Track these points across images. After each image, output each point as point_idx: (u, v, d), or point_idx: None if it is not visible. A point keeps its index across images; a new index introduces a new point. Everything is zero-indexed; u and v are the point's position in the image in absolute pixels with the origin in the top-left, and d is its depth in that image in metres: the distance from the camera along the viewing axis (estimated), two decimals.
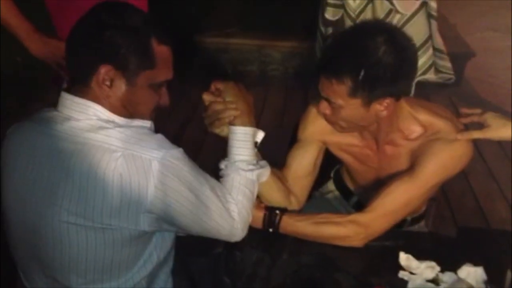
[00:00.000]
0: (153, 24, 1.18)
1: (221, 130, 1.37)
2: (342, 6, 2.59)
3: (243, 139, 1.33)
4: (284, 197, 1.51)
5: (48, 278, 1.23)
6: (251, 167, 1.32)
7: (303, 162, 1.57)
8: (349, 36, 1.36)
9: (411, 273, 1.33)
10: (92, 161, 1.10)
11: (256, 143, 1.38)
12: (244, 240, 1.39)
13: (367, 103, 1.33)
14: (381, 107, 1.34)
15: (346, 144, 1.56)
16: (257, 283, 1.32)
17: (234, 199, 1.27)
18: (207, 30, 4.26)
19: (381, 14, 2.48)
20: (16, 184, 1.19)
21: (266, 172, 1.39)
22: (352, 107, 1.34)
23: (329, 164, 1.79)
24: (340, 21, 2.61)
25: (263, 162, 1.39)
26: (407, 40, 1.33)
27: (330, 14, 2.62)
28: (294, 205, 1.55)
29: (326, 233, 1.40)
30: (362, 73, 1.27)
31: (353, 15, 2.53)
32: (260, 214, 1.39)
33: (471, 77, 4.15)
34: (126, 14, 1.16)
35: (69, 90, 1.17)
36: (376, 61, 1.27)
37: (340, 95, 1.32)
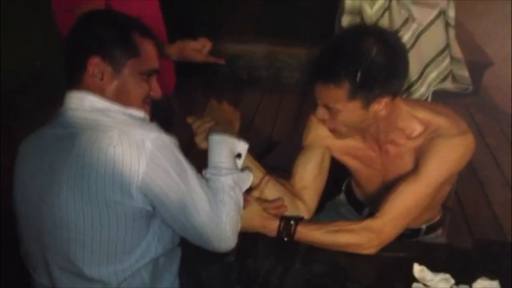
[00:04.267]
0: (137, 23, 1.31)
1: (202, 144, 1.40)
2: (359, 13, 2.59)
3: (217, 146, 1.35)
4: (292, 206, 1.51)
5: (54, 267, 1.25)
6: (225, 171, 1.32)
7: (308, 166, 1.58)
8: (341, 41, 1.37)
9: (425, 285, 1.31)
10: (89, 140, 1.17)
11: (239, 155, 1.38)
12: (256, 248, 1.40)
13: (366, 104, 1.35)
14: (379, 107, 1.36)
15: (349, 147, 1.58)
16: None
17: (221, 201, 1.27)
18: (222, 36, 4.27)
19: (398, 23, 2.46)
20: (25, 178, 1.26)
21: (246, 177, 1.38)
22: (351, 110, 1.36)
23: (341, 176, 1.80)
24: None
25: (244, 169, 1.40)
26: (396, 39, 1.37)
27: (346, 21, 2.61)
28: (304, 212, 1.55)
29: (341, 241, 1.40)
30: (359, 74, 1.29)
31: (370, 23, 2.52)
32: (275, 223, 1.39)
33: (489, 86, 4.11)
34: (111, 14, 1.36)
35: (70, 88, 1.27)
36: (371, 61, 1.29)
37: (339, 99, 1.34)
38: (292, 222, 1.39)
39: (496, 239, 2.56)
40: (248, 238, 1.40)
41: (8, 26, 3.28)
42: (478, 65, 3.68)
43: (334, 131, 1.47)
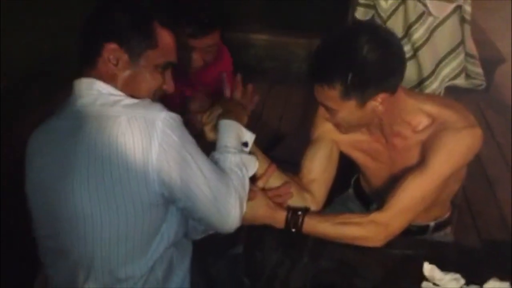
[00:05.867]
0: (157, 9, 1.26)
1: (210, 134, 1.42)
2: (374, 6, 2.56)
3: (226, 130, 1.36)
4: (299, 198, 1.51)
5: (69, 261, 1.23)
6: (232, 150, 1.33)
7: (316, 159, 1.57)
8: (333, 40, 1.35)
9: (435, 284, 1.30)
10: (98, 130, 1.15)
11: (246, 143, 1.39)
12: (264, 241, 1.39)
13: (362, 103, 1.34)
14: (376, 103, 1.35)
15: (355, 141, 1.57)
16: (277, 285, 1.31)
17: (230, 180, 1.27)
18: (232, 25, 4.24)
19: (413, 16, 2.43)
20: (36, 171, 1.23)
21: (252, 162, 1.38)
22: (347, 109, 1.35)
23: (350, 172, 1.79)
24: (370, 21, 2.57)
25: (251, 154, 1.40)
26: (390, 34, 1.35)
27: (360, 14, 2.58)
28: (312, 204, 1.54)
29: (347, 233, 1.40)
30: (350, 75, 1.28)
31: (384, 16, 2.49)
32: (283, 214, 1.39)
33: (501, 84, 4.06)
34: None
35: (80, 75, 1.23)
36: (362, 61, 1.28)
37: (333, 99, 1.34)
38: (299, 213, 1.39)
39: (502, 238, 2.54)
40: (255, 231, 1.40)
41: (15, 12, 3.27)
42: (489, 62, 3.63)
43: (338, 127, 1.48)
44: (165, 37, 1.25)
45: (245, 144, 1.38)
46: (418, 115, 1.44)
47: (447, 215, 1.67)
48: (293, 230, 1.39)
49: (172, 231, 1.25)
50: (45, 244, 1.27)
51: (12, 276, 1.41)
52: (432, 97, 1.49)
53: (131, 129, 1.13)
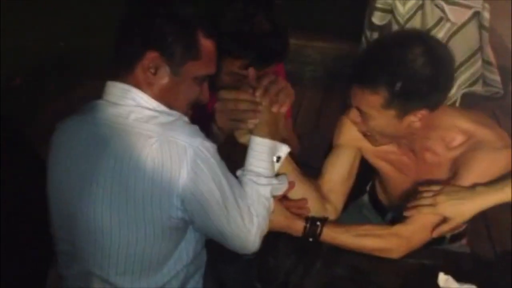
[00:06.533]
0: (202, 18, 1.20)
1: (241, 138, 1.31)
2: (391, 11, 2.54)
3: (258, 149, 1.26)
4: (320, 206, 1.47)
5: (83, 268, 1.22)
6: (263, 181, 1.25)
7: (339, 168, 1.53)
8: (386, 46, 1.32)
9: None
10: (127, 147, 1.11)
11: (279, 158, 1.31)
12: (277, 247, 1.38)
13: (401, 115, 1.30)
14: (415, 119, 1.32)
15: (382, 151, 1.53)
16: None
17: (255, 211, 1.23)
18: None
19: (430, 22, 2.41)
20: (59, 173, 1.21)
21: (282, 187, 1.32)
22: (383, 119, 1.32)
23: (365, 177, 1.75)
24: (387, 26, 2.55)
25: (281, 177, 1.32)
26: (445, 51, 1.31)
27: (377, 18, 2.56)
28: (331, 213, 1.51)
29: (367, 245, 1.37)
30: (398, 85, 1.25)
31: (401, 21, 2.48)
32: (301, 224, 1.36)
33: None
34: (176, 4, 1.19)
35: (115, 78, 1.19)
36: (414, 74, 1.25)
37: (373, 105, 1.30)
38: (318, 223, 1.36)
39: None
40: (269, 236, 1.38)
41: (31, 6, 3.29)
42: (507, 69, 3.59)
43: (366, 136, 1.44)
44: (209, 48, 1.20)
45: (278, 159, 1.31)
46: (452, 132, 1.40)
47: (463, 226, 1.64)
48: (311, 239, 1.37)
49: (191, 248, 1.24)
50: (60, 245, 1.27)
51: (12, 276, 1.42)
52: (468, 113, 1.45)
53: (162, 153, 1.09)
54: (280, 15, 1.50)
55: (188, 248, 1.23)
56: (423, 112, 1.30)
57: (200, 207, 1.14)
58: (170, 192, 1.11)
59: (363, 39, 2.95)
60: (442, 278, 1.30)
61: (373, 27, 2.73)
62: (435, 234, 1.36)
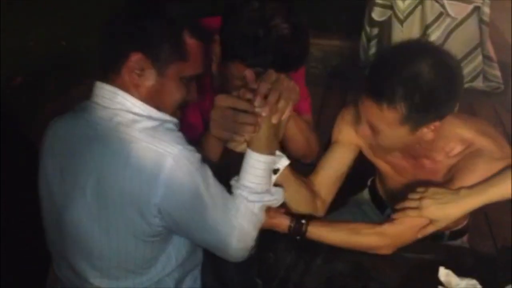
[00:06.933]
0: (188, 17, 1.18)
1: (237, 148, 1.25)
2: (391, 7, 2.54)
3: (254, 166, 1.21)
4: (310, 203, 1.47)
5: (68, 268, 1.24)
6: (254, 197, 1.21)
7: (336, 166, 1.52)
8: (399, 59, 1.28)
9: None
10: (108, 151, 1.10)
11: (277, 170, 1.26)
12: (277, 242, 1.38)
13: (415, 128, 1.29)
14: (428, 130, 1.31)
15: (382, 152, 1.51)
16: (290, 287, 1.29)
17: (239, 224, 1.19)
18: None
19: (430, 17, 2.42)
20: (47, 174, 1.21)
21: (275, 202, 1.28)
22: (398, 133, 1.29)
23: (367, 172, 1.75)
24: (387, 22, 2.56)
25: (276, 191, 1.27)
26: (453, 59, 1.29)
27: (377, 14, 2.57)
28: (320, 209, 1.50)
29: (353, 243, 1.38)
30: (417, 99, 1.22)
31: (401, 17, 2.48)
32: (286, 222, 1.36)
33: None
34: (161, 4, 1.17)
35: (102, 79, 1.17)
36: (430, 86, 1.22)
37: (389, 121, 1.27)
38: (303, 221, 1.36)
39: None
40: (269, 231, 1.38)
41: (31, 6, 3.29)
42: (507, 64, 3.58)
43: (373, 147, 1.43)
44: (195, 49, 1.17)
45: (276, 171, 1.26)
46: (453, 141, 1.39)
47: (464, 223, 1.64)
48: (298, 237, 1.37)
49: (179, 252, 1.24)
50: (51, 245, 1.28)
51: (12, 276, 1.42)
52: (469, 121, 1.44)
53: (141, 161, 1.08)
54: (300, 14, 1.35)
55: (176, 252, 1.23)
56: (436, 124, 1.29)
57: (178, 216, 1.13)
58: (148, 199, 1.09)
59: (363, 35, 2.96)
60: (443, 272, 1.30)
61: (373, 23, 2.74)
62: (420, 234, 1.35)
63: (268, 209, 1.31)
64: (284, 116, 1.22)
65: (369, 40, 2.98)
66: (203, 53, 1.20)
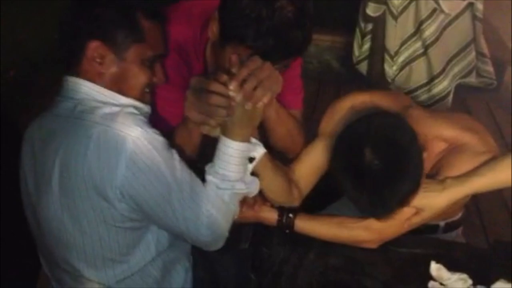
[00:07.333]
0: (142, 2, 1.19)
1: (211, 132, 1.21)
2: (385, 2, 2.54)
3: (226, 153, 1.17)
4: (287, 192, 1.44)
5: (56, 266, 1.25)
6: (225, 184, 1.17)
7: (318, 158, 1.49)
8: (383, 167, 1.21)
9: (442, 284, 1.29)
10: (71, 139, 1.11)
11: (252, 158, 1.22)
12: (271, 237, 1.38)
13: None
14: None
15: None
16: (283, 281, 1.30)
17: (208, 211, 1.15)
18: None
19: (424, 13, 2.42)
20: (24, 173, 1.23)
21: (248, 192, 1.24)
22: None
23: None
24: (381, 17, 2.56)
25: (251, 180, 1.23)
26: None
27: (371, 10, 2.57)
28: (296, 199, 1.48)
29: (339, 236, 1.39)
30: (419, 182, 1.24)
31: (395, 12, 2.49)
32: (274, 216, 1.37)
33: (511, 83, 4.03)
34: None
35: (66, 72, 1.19)
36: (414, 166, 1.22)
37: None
38: (290, 215, 1.37)
39: (510, 239, 2.52)
40: (262, 226, 1.39)
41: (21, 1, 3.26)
42: (500, 61, 3.60)
43: None
44: (151, 29, 1.18)
45: (251, 160, 1.22)
46: (434, 142, 1.38)
47: (458, 215, 1.63)
48: (287, 231, 1.37)
49: (160, 240, 1.23)
50: (38, 244, 1.29)
51: (12, 276, 1.42)
52: (451, 119, 1.43)
53: (101, 145, 1.07)
54: None
55: (155, 240, 1.23)
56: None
57: (142, 201, 1.11)
58: (110, 183, 1.08)
59: (357, 30, 2.96)
60: (434, 267, 1.31)
61: (368, 18, 2.74)
62: (407, 226, 1.36)
63: (255, 203, 1.31)
64: (260, 105, 1.16)
65: (363, 35, 2.98)
66: (160, 33, 1.21)
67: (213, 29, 1.29)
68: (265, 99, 1.16)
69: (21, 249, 1.32)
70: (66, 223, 1.15)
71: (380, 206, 1.24)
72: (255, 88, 1.14)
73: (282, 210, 1.38)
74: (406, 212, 1.34)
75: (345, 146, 1.25)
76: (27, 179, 1.22)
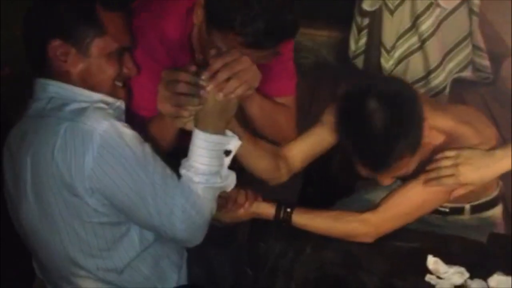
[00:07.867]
0: None
1: (186, 126, 1.20)
2: None
3: (199, 146, 1.14)
4: (272, 171, 1.43)
5: (41, 266, 1.27)
6: (198, 178, 1.14)
7: (313, 144, 1.49)
8: (378, 122, 1.23)
9: (439, 277, 1.29)
10: (40, 136, 1.10)
11: (229, 151, 1.19)
12: (268, 231, 1.38)
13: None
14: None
15: None
16: (280, 276, 1.30)
17: (182, 206, 1.12)
18: None
19: (420, 7, 2.42)
20: (5, 178, 1.22)
21: (223, 186, 1.21)
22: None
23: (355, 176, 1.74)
24: (377, 12, 2.56)
25: (226, 175, 1.20)
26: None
27: (368, 4, 2.57)
28: (284, 176, 1.47)
29: (336, 230, 1.39)
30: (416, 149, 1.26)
31: (391, 7, 2.48)
32: (271, 211, 1.37)
33: (507, 77, 4.00)
34: None
35: (34, 73, 1.18)
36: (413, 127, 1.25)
37: (404, 164, 1.29)
38: (288, 209, 1.37)
39: (507, 233, 2.52)
40: (258, 221, 1.39)
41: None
42: (496, 55, 3.60)
43: None
44: (113, 21, 1.16)
45: (228, 153, 1.19)
46: (430, 135, 1.36)
47: (494, 194, 1.59)
48: (283, 224, 1.38)
49: (144, 235, 1.21)
50: (28, 247, 1.28)
51: (12, 276, 1.41)
52: (445, 110, 1.43)
53: (68, 140, 1.06)
54: None
55: (139, 235, 1.21)
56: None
57: (112, 195, 1.10)
58: (79, 178, 1.07)
59: (353, 25, 2.95)
60: (431, 260, 1.31)
61: (364, 13, 2.73)
62: (453, 196, 1.37)
63: (246, 201, 1.32)
64: (233, 96, 1.14)
65: (359, 30, 2.98)
66: (123, 23, 1.19)
67: (198, 13, 1.26)
68: (239, 91, 1.14)
69: (21, 249, 1.31)
70: (43, 223, 1.14)
71: (380, 159, 1.26)
72: (228, 79, 1.12)
73: (280, 204, 1.38)
74: (405, 208, 1.36)
75: (350, 98, 1.29)
76: (8, 184, 1.21)
